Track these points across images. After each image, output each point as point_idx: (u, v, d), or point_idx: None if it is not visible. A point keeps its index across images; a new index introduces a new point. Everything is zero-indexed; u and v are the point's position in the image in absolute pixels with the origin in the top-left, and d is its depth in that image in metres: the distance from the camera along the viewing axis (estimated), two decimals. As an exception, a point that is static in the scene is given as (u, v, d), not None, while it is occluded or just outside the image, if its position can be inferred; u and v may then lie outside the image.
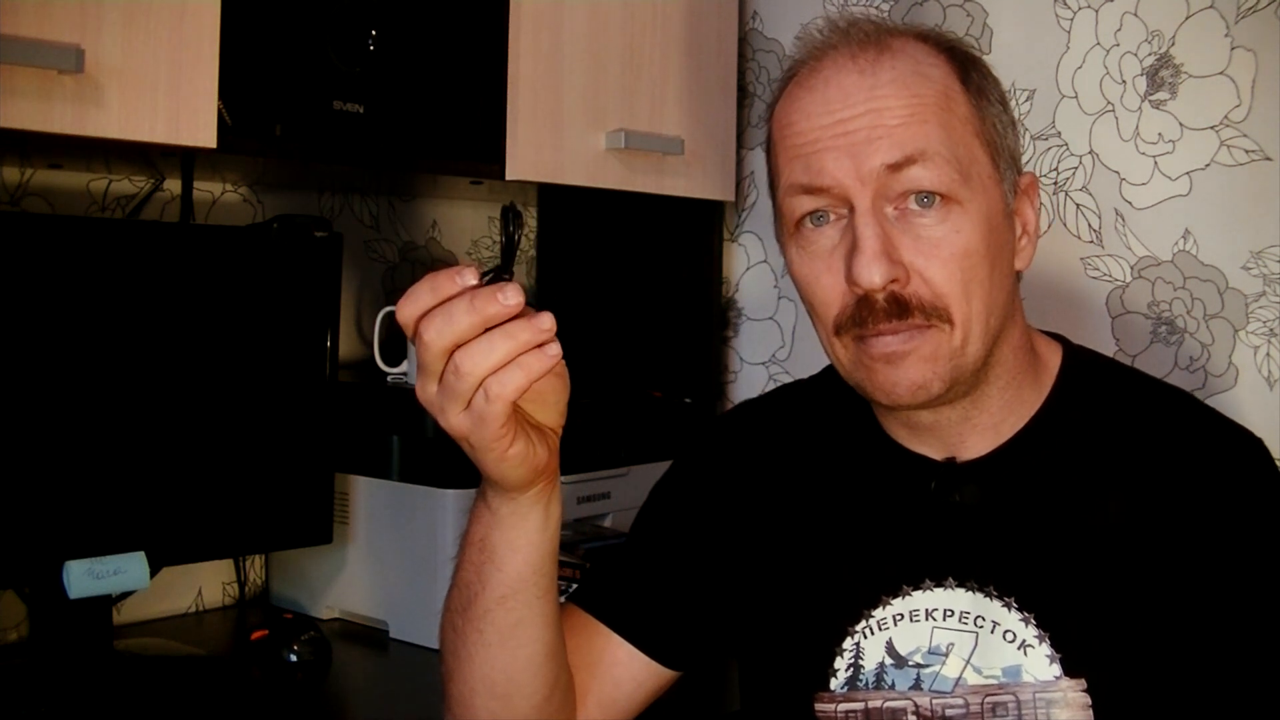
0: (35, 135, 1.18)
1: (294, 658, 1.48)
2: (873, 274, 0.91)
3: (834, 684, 1.00)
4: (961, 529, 0.99)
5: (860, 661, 1.00)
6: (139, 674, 1.41)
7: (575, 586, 1.16)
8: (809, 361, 1.95)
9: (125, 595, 1.46)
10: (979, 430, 1.00)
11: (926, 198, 0.92)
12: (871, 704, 0.99)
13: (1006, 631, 0.96)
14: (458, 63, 1.54)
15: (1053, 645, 0.95)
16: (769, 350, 2.01)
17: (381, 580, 1.63)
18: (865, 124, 0.93)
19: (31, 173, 1.54)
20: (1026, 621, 0.96)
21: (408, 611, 1.60)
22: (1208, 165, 1.61)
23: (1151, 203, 1.65)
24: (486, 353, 0.78)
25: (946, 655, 0.97)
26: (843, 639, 1.00)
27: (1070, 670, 0.95)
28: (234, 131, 1.31)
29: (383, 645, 1.61)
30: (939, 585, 0.98)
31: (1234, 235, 1.59)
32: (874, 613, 1.00)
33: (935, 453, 1.02)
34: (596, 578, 1.14)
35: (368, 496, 1.64)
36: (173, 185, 1.67)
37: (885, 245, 0.92)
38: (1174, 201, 1.63)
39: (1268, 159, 1.57)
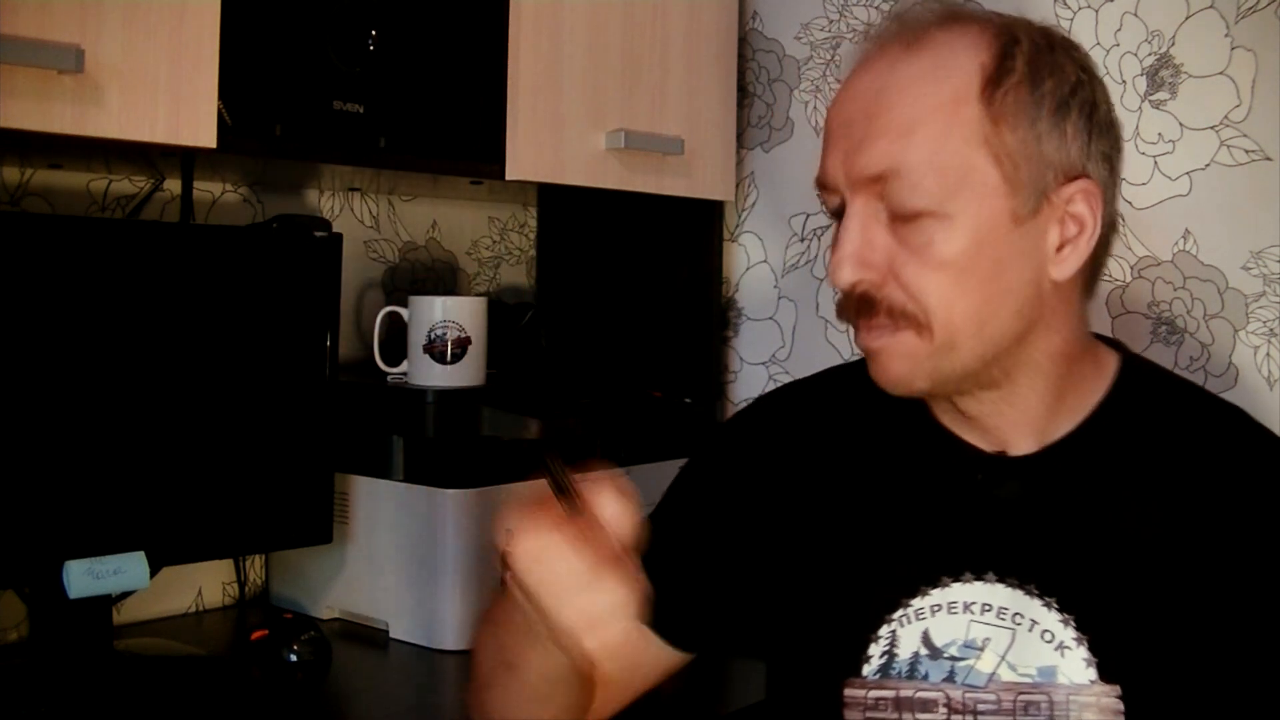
0: (35, 135, 1.18)
1: (294, 658, 1.48)
2: (840, 274, 0.94)
3: (866, 670, 1.00)
4: (1006, 524, 0.99)
5: (895, 650, 0.99)
6: (139, 674, 1.41)
7: None
8: (809, 361, 1.95)
9: (125, 595, 1.46)
10: (1022, 428, 0.99)
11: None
12: (903, 693, 0.98)
13: (1045, 631, 0.96)
14: (458, 63, 1.54)
15: (1091, 649, 0.95)
16: (769, 350, 2.01)
17: (381, 580, 1.63)
18: (861, 128, 0.93)
19: (31, 173, 1.54)
20: (1066, 623, 0.95)
21: (408, 611, 1.60)
22: (1208, 165, 1.61)
23: (1151, 203, 1.65)
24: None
25: (982, 650, 0.97)
26: (879, 626, 1.00)
27: (1106, 675, 0.94)
28: (234, 131, 1.31)
29: (383, 645, 1.61)
30: (979, 579, 0.98)
31: (1234, 235, 1.59)
32: (912, 602, 0.99)
33: (985, 444, 1.01)
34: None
35: (368, 496, 1.64)
36: (173, 185, 1.67)
37: (861, 247, 0.93)
38: (1174, 201, 1.63)
39: (1268, 159, 1.57)
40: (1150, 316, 1.65)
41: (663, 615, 1.04)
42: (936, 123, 0.91)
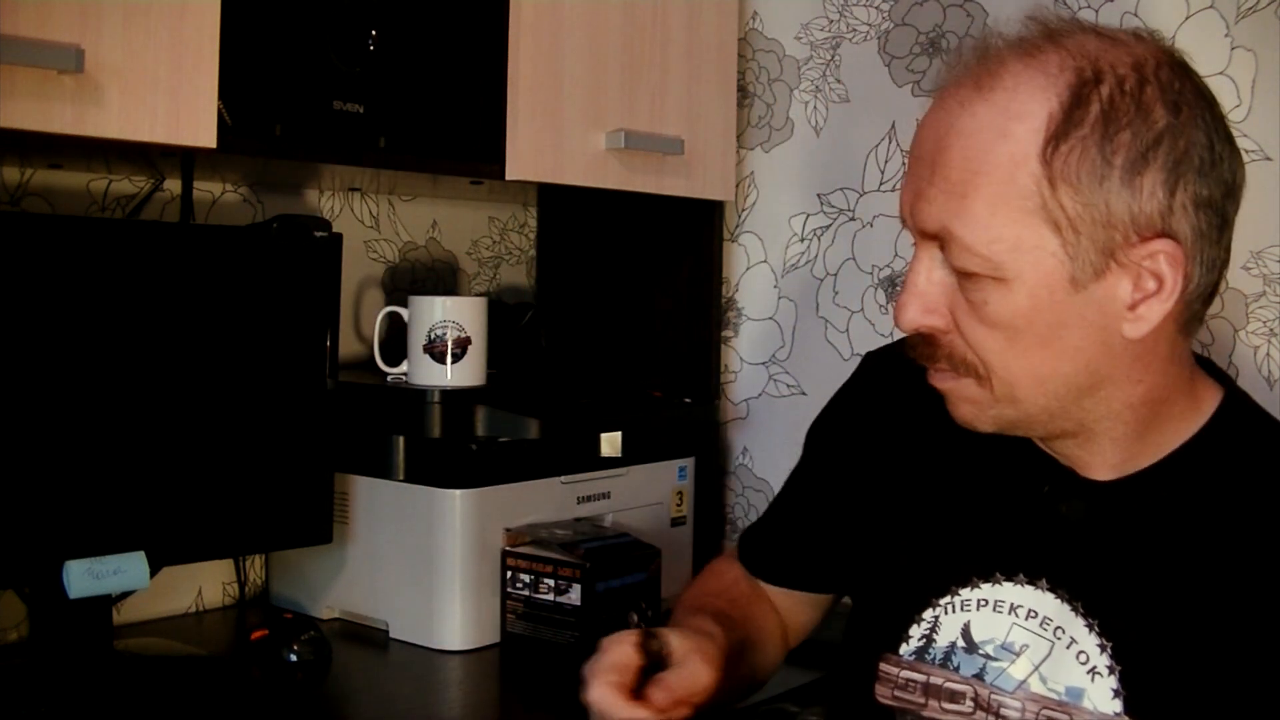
0: (35, 135, 1.18)
1: (294, 658, 1.48)
2: (902, 318, 0.94)
3: (904, 649, 1.01)
4: (1065, 538, 0.97)
5: (934, 635, 1.00)
6: (139, 674, 1.41)
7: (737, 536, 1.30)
8: (809, 361, 1.95)
9: (125, 595, 1.46)
10: (1098, 463, 0.97)
11: None
12: (933, 679, 0.99)
13: (1080, 651, 0.94)
14: (458, 63, 1.54)
15: (1121, 681, 0.93)
16: (769, 350, 2.01)
17: (381, 580, 1.63)
18: (926, 173, 0.91)
19: (31, 173, 1.54)
20: (1103, 648, 0.94)
21: (408, 611, 1.60)
22: (1208, 165, 1.60)
23: (1151, 203, 1.65)
24: None
25: (1018, 655, 0.96)
26: (924, 608, 1.01)
27: (1132, 711, 0.92)
28: (234, 131, 1.31)
29: (383, 645, 1.61)
30: (1030, 583, 0.97)
31: (1234, 235, 1.59)
32: (961, 591, 0.99)
33: (1063, 459, 1.00)
34: (752, 529, 1.27)
35: (368, 496, 1.64)
36: (173, 185, 1.67)
37: (924, 291, 0.93)
38: (1174, 201, 1.63)
39: (1268, 159, 1.57)
40: (1150, 316, 1.65)
41: (796, 576, 1.21)
42: (992, 187, 0.87)
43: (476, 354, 1.65)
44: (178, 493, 1.45)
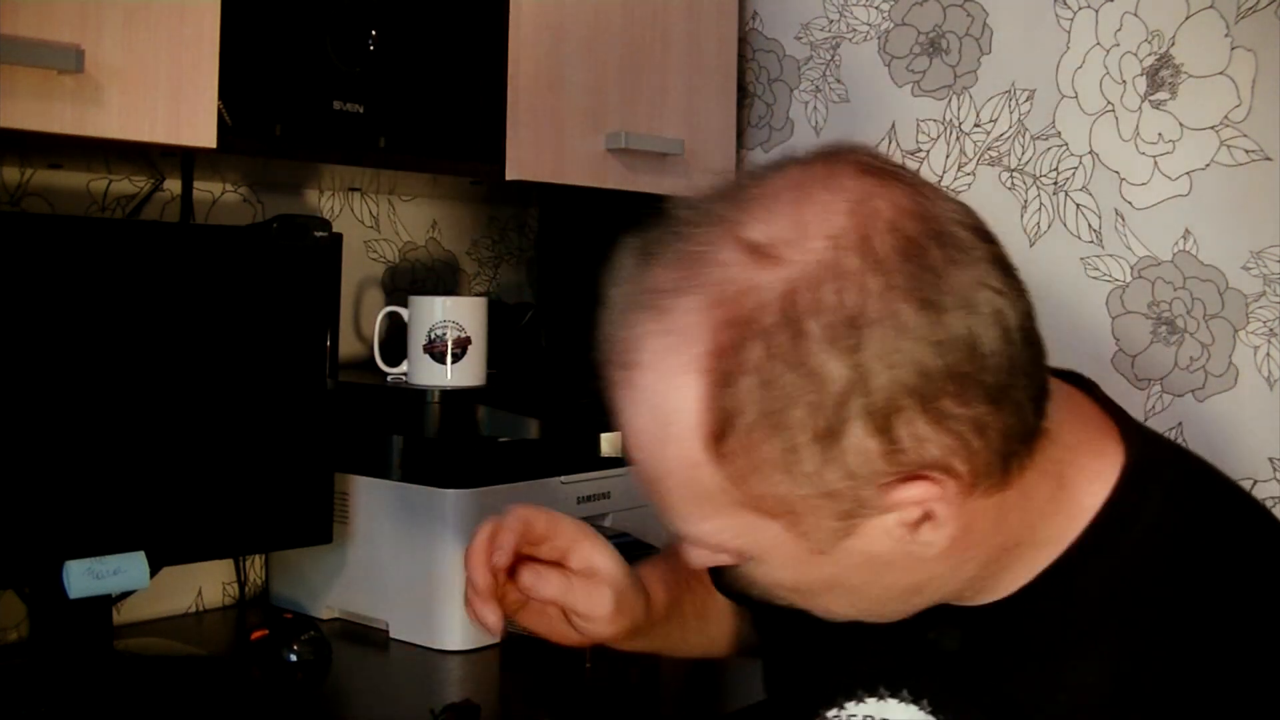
0: (35, 135, 1.18)
1: (294, 658, 1.48)
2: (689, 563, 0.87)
3: None
4: (943, 664, 0.87)
5: None
6: (139, 674, 1.41)
7: None
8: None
9: (125, 595, 1.46)
10: (971, 593, 0.85)
11: None
12: None
13: None
14: (458, 63, 1.54)
15: None
16: (769, 350, 2.00)
17: (381, 580, 1.63)
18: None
19: (31, 173, 1.54)
20: None
21: (408, 611, 1.60)
22: (1208, 165, 1.61)
23: (1151, 203, 1.65)
24: None
25: None
26: (813, 719, 0.94)
27: None
28: (234, 131, 1.31)
29: (383, 645, 1.61)
30: (913, 702, 0.88)
31: (1234, 235, 1.59)
32: (847, 705, 0.91)
33: None
34: None
35: (368, 496, 1.64)
36: (173, 185, 1.67)
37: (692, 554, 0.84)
38: (1174, 201, 1.63)
39: (1268, 159, 1.57)
40: (1150, 316, 1.65)
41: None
42: (681, 490, 0.74)
43: (476, 354, 1.65)
44: (178, 493, 1.45)
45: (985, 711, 0.85)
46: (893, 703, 0.88)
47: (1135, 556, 0.81)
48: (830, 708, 0.92)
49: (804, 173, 0.74)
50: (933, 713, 0.87)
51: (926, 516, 0.74)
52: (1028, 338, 0.73)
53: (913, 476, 0.71)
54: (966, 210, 0.74)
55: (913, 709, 0.88)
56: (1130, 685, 0.79)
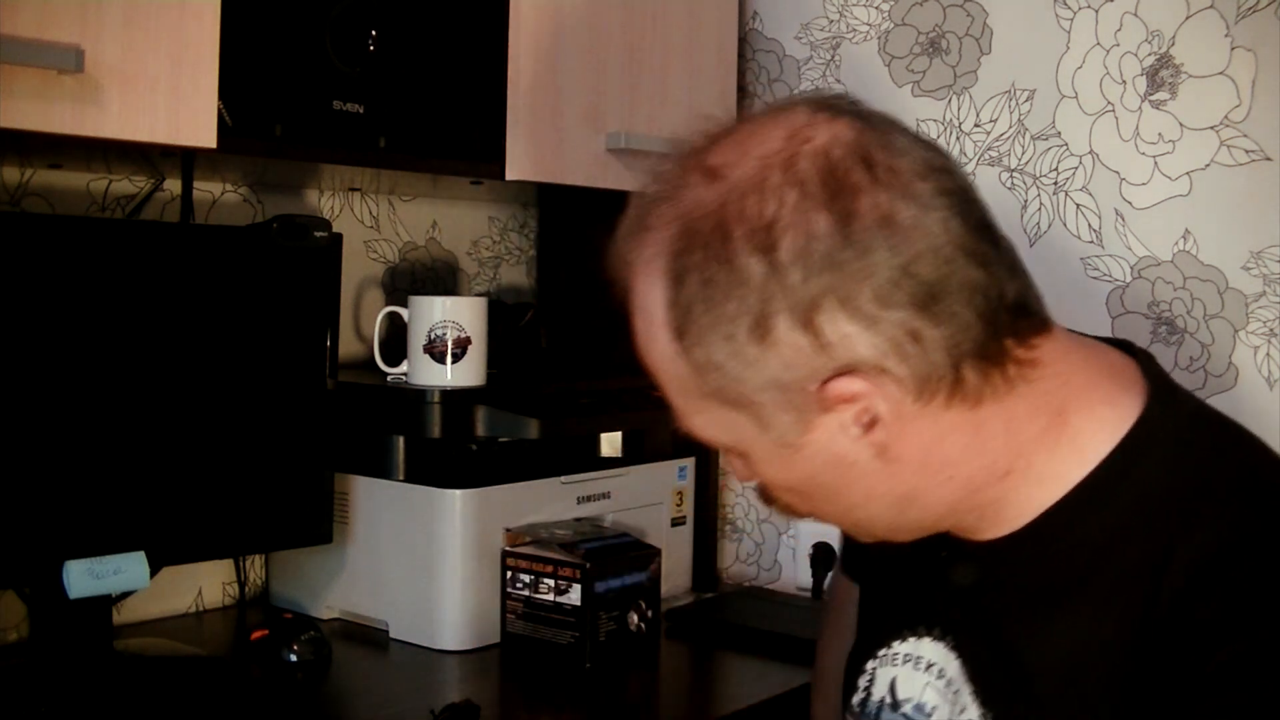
0: (35, 135, 1.18)
1: (294, 658, 1.48)
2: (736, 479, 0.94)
3: (854, 700, 0.99)
4: (960, 601, 0.91)
5: (872, 690, 0.97)
6: (139, 674, 1.41)
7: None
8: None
9: (125, 595, 1.46)
10: (984, 527, 0.88)
11: None
12: None
13: (969, 719, 0.89)
14: (458, 62, 1.54)
15: None
16: (769, 350, 2.01)
17: (381, 580, 1.63)
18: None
19: (31, 173, 1.54)
20: (984, 718, 0.87)
21: (408, 611, 1.60)
22: (1208, 165, 1.61)
23: (1151, 203, 1.65)
24: None
25: (929, 717, 0.92)
26: (869, 660, 0.98)
27: None
28: (234, 131, 1.31)
29: (383, 645, 1.61)
30: (941, 640, 0.92)
31: (1234, 235, 1.59)
32: (894, 645, 0.96)
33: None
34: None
35: (368, 496, 1.64)
36: (173, 185, 1.67)
37: (734, 466, 0.91)
38: (1174, 201, 1.63)
39: (1268, 159, 1.57)
40: (1150, 316, 1.65)
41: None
42: (671, 384, 0.85)
43: (476, 354, 1.65)
44: (178, 493, 1.45)
45: (991, 649, 0.88)
46: (926, 641, 0.93)
47: (1139, 501, 0.83)
48: (881, 648, 0.97)
49: (767, 111, 0.84)
50: (953, 649, 0.91)
51: (875, 419, 0.80)
52: (973, 260, 0.79)
53: (846, 372, 0.78)
54: (933, 154, 0.81)
55: (939, 646, 0.92)
56: (1111, 639, 0.82)
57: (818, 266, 0.76)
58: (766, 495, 0.92)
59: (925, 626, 0.94)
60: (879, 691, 0.96)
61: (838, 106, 0.82)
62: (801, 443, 0.82)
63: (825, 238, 0.76)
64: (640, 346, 0.86)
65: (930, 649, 0.93)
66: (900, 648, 0.95)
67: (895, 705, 0.95)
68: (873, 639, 0.99)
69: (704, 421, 0.85)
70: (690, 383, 0.82)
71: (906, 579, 0.96)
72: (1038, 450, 0.85)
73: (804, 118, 0.81)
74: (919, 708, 0.93)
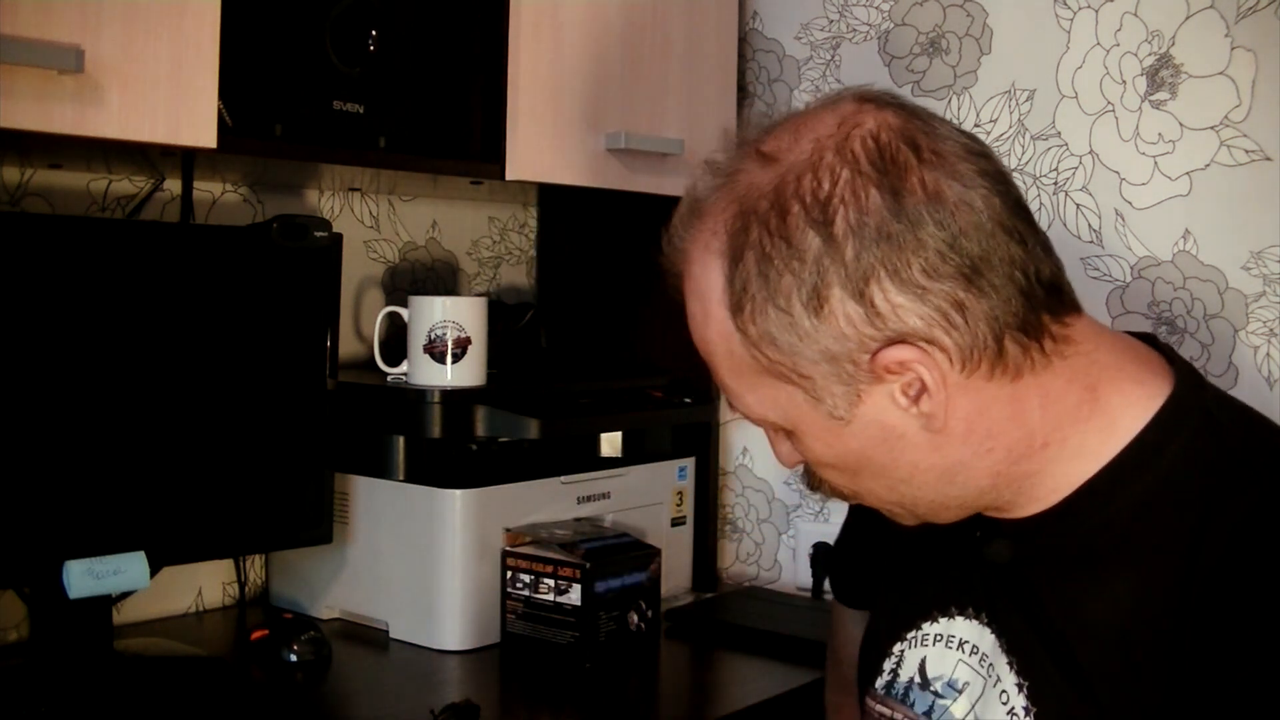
0: (35, 135, 1.18)
1: (294, 658, 1.48)
2: (780, 463, 0.96)
3: (878, 683, 1.01)
4: (995, 578, 0.94)
5: (899, 671, 0.99)
6: (139, 674, 1.41)
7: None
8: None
9: (125, 595, 1.46)
10: (1020, 504, 0.91)
11: None
12: (895, 715, 0.98)
13: (1003, 691, 0.91)
14: (458, 63, 1.54)
15: None
16: (769, 350, 2.01)
17: (381, 580, 1.63)
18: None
19: (31, 173, 1.54)
20: (1020, 688, 0.89)
21: (408, 611, 1.60)
22: (1208, 165, 1.61)
23: (1151, 203, 1.65)
24: None
25: (960, 693, 0.94)
26: (895, 642, 1.00)
27: None
28: (234, 131, 1.31)
29: (383, 645, 1.61)
30: (975, 618, 0.94)
31: (1234, 235, 1.59)
32: (923, 626, 0.98)
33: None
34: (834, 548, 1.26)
35: (368, 496, 1.64)
36: (173, 185, 1.67)
37: (780, 448, 0.94)
38: (1174, 201, 1.63)
39: (1268, 159, 1.57)
40: (1150, 316, 1.65)
41: (854, 593, 1.20)
42: (726, 363, 0.88)
43: (476, 354, 1.65)
44: (178, 493, 1.45)
45: (1030, 622, 0.90)
46: (959, 620, 0.96)
47: (1175, 474, 0.86)
48: (910, 630, 0.99)
49: (815, 103, 0.89)
50: (988, 625, 0.93)
51: (919, 394, 0.84)
52: (1012, 237, 0.83)
53: (897, 341, 0.82)
54: (972, 141, 0.86)
55: (974, 624, 0.94)
56: (1154, 606, 0.84)
57: (871, 239, 0.81)
58: (812, 477, 0.94)
59: (957, 606, 0.96)
60: (907, 672, 0.98)
61: (882, 99, 0.87)
62: (852, 415, 0.85)
63: (878, 212, 0.81)
64: (696, 330, 0.90)
65: (963, 627, 0.95)
66: (930, 629, 0.98)
67: (925, 684, 0.97)
68: (896, 625, 1.00)
69: (756, 399, 0.88)
70: (745, 360, 0.86)
71: (931, 565, 0.99)
72: (1073, 424, 0.88)
73: (852, 106, 0.86)
74: (950, 684, 0.95)
